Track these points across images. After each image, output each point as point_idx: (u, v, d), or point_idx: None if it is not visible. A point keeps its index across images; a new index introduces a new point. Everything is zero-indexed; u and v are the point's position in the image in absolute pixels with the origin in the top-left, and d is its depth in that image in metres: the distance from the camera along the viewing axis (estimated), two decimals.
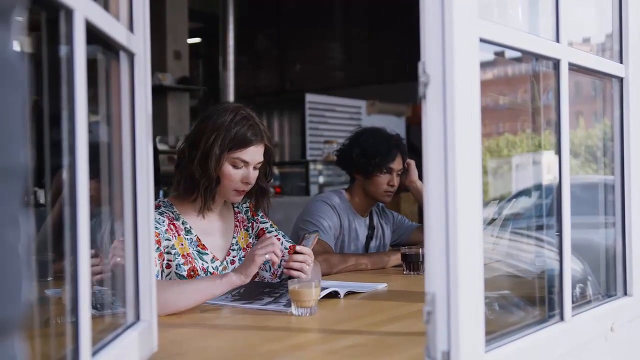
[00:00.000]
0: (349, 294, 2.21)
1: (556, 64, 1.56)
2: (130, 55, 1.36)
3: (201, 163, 2.19)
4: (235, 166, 2.22)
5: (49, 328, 1.19)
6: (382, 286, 2.39)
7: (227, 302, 2.04)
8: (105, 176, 1.35)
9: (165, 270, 2.15)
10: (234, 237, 2.38)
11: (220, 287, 1.99)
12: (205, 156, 2.18)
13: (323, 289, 2.05)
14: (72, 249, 1.01)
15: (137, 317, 1.38)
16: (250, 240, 2.43)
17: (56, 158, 1.02)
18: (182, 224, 2.25)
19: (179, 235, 2.22)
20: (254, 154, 2.24)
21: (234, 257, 2.35)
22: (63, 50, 1.01)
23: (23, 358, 0.63)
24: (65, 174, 1.01)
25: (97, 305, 1.34)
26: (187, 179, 2.23)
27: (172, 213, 2.25)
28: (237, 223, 2.41)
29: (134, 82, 1.37)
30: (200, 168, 2.19)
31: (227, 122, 2.19)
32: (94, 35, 1.12)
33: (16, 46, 0.60)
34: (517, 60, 1.80)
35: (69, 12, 1.00)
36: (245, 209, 2.46)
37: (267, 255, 2.01)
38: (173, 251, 2.18)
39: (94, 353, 1.09)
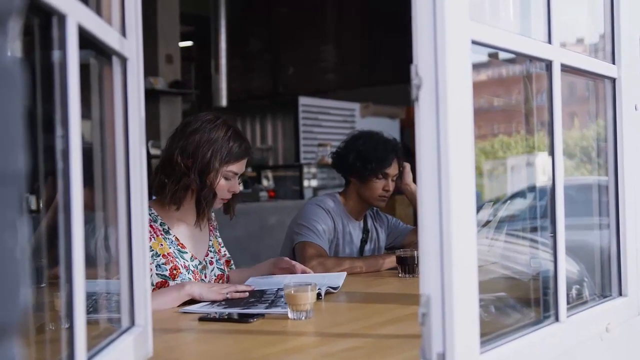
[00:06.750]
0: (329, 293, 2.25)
1: (548, 65, 1.56)
2: (123, 60, 1.35)
3: (200, 176, 2.29)
4: (226, 178, 2.34)
5: (43, 334, 1.19)
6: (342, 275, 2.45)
7: (222, 309, 2.02)
8: (99, 182, 1.34)
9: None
10: (210, 240, 2.50)
11: (178, 301, 2.11)
12: (204, 170, 2.29)
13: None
14: (67, 255, 1.00)
15: (132, 322, 1.38)
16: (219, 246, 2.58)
17: (49, 163, 1.02)
18: (160, 225, 2.33)
19: (157, 236, 2.30)
20: (243, 165, 2.39)
21: (211, 258, 2.47)
22: (56, 55, 1.01)
23: None
24: (58, 180, 1.01)
25: (90, 309, 1.33)
26: (181, 190, 2.30)
27: (150, 215, 2.30)
28: (212, 228, 2.54)
29: (127, 87, 1.37)
30: (199, 181, 2.29)
31: (221, 137, 2.31)
32: (86, 40, 1.11)
33: (13, 52, 0.60)
34: (511, 61, 1.81)
35: (62, 18, 0.99)
36: (214, 217, 2.59)
37: (228, 295, 2.15)
38: (151, 252, 2.24)
39: (89, 358, 1.09)
